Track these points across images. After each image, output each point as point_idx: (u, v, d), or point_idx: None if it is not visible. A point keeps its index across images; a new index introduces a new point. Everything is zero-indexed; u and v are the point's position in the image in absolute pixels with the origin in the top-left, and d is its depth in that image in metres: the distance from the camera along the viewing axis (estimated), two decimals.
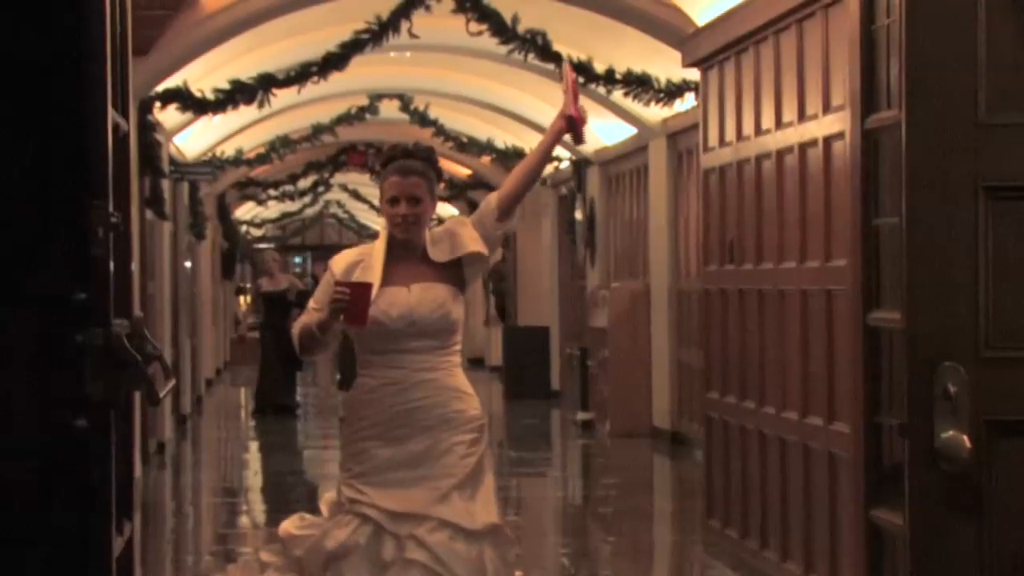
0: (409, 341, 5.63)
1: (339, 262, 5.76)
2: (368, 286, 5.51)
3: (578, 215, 20.78)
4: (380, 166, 5.83)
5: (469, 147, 21.57)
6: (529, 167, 5.80)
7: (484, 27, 12.90)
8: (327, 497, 5.84)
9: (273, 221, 38.05)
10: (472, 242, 5.72)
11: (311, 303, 5.76)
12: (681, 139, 16.16)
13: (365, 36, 13.44)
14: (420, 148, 5.82)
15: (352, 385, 5.86)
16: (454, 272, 5.75)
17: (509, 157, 20.79)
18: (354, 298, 5.43)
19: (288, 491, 13.81)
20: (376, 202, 34.25)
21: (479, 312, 28.42)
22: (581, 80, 5.82)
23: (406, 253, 5.74)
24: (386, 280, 5.66)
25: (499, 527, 5.64)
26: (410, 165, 5.72)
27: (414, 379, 5.64)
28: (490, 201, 5.79)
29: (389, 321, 5.61)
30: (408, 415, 5.63)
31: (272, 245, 29.23)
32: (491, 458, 5.78)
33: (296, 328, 5.77)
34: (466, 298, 5.84)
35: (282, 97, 15.11)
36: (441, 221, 6.44)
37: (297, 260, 48.84)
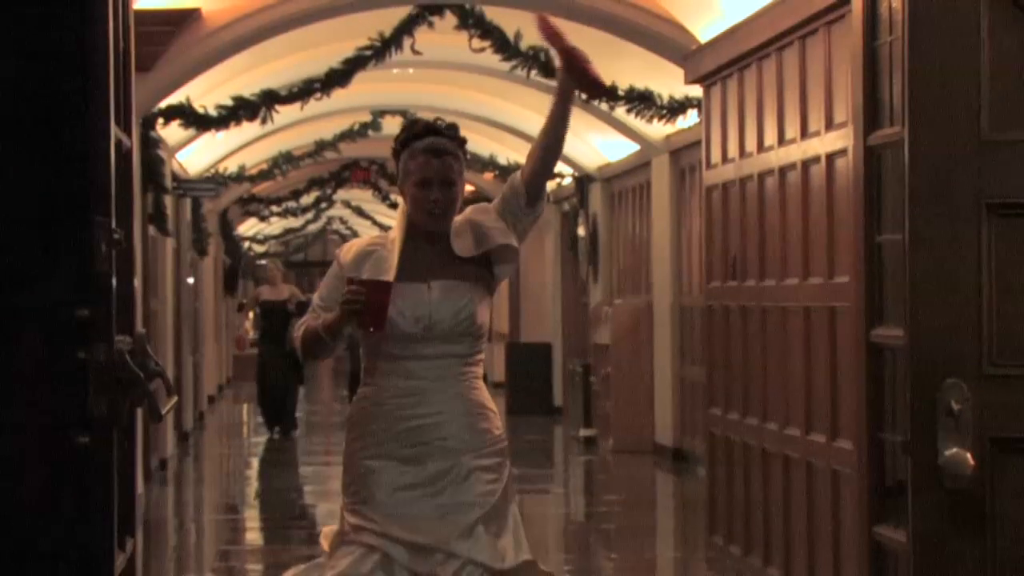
0: (426, 346, 4.88)
1: (348, 252, 5.06)
2: (387, 285, 4.77)
3: (581, 231, 20.78)
4: (399, 144, 5.06)
5: (472, 163, 21.57)
6: (545, 138, 4.95)
7: (487, 44, 12.92)
8: (327, 531, 5.12)
9: (276, 237, 38.09)
10: (500, 234, 4.96)
11: (316, 300, 5.05)
12: (684, 156, 16.16)
13: (368, 52, 13.46)
14: (445, 124, 5.07)
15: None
16: (480, 268, 4.98)
17: (511, 173, 20.80)
18: (371, 299, 4.72)
19: (290, 507, 13.80)
20: (379, 218, 34.33)
21: None
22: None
23: (427, 244, 4.98)
24: (402, 275, 4.89)
25: (532, 564, 4.97)
26: (442, 143, 4.97)
27: (430, 390, 4.89)
28: (515, 182, 5.03)
29: (404, 323, 4.86)
30: (422, 431, 4.88)
31: (271, 260, 29.23)
32: (513, 485, 5.06)
33: (299, 330, 5.03)
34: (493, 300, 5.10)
35: (285, 113, 15.12)
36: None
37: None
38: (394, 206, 26.66)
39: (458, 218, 5.01)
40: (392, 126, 20.72)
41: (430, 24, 12.93)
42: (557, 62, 4.90)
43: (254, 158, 21.97)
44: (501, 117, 19.55)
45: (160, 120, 14.11)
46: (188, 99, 14.05)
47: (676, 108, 13.54)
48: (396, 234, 5.01)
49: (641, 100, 13.53)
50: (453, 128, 5.05)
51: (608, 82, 13.65)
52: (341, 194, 28.93)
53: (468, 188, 25.89)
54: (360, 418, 4.99)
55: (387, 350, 4.92)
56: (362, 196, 30.39)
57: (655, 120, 13.77)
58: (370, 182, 26.41)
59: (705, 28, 10.81)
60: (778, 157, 8.18)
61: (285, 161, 21.99)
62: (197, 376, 21.58)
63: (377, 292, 4.74)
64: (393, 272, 4.89)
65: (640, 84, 13.53)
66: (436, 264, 4.95)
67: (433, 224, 4.95)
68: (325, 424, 22.59)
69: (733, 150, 8.89)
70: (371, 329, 4.80)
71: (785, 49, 8.09)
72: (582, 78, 4.87)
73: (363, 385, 5.01)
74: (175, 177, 17.65)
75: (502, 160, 20.95)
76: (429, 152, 4.96)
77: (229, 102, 14.23)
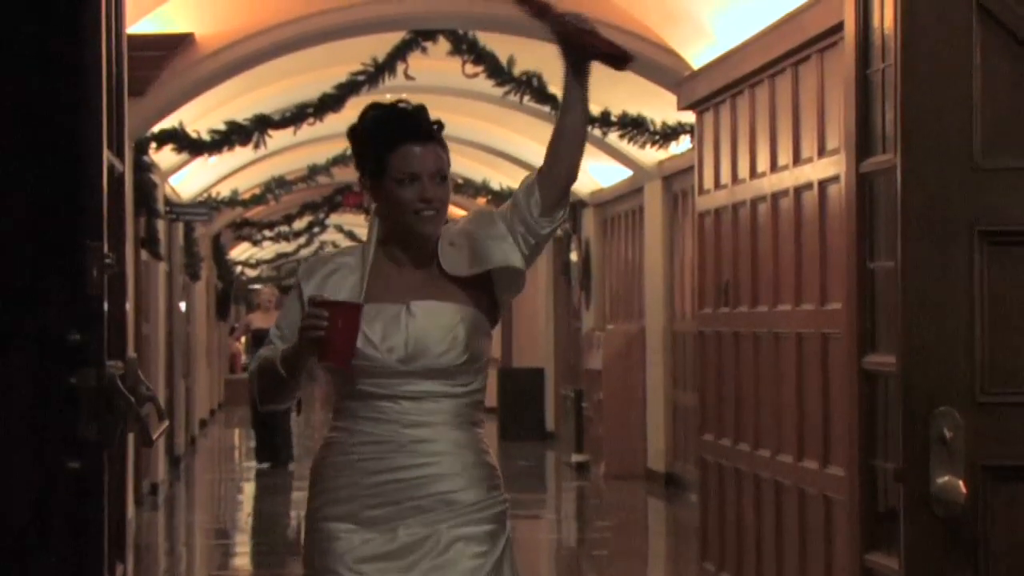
0: (406, 383, 3.91)
1: (309, 270, 4.07)
2: (356, 308, 3.83)
3: (573, 256, 20.79)
4: (365, 136, 4.04)
5: (465, 188, 21.59)
6: (560, 126, 3.99)
7: (480, 69, 12.94)
8: None
9: (268, 262, 38.09)
10: (501, 252, 3.95)
11: (273, 330, 4.08)
12: (676, 181, 16.18)
13: (361, 78, 13.48)
14: (411, 106, 4.10)
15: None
16: (477, 289, 4.01)
17: (504, 198, 20.77)
18: (335, 325, 3.78)
19: (281, 532, 13.76)
20: None
21: None
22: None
23: (407, 257, 4.02)
24: (375, 294, 3.95)
25: None
26: (427, 129, 4.02)
27: (407, 438, 3.92)
28: (528, 181, 4.00)
29: (376, 353, 3.90)
30: (395, 490, 3.92)
31: (267, 286, 29.19)
32: (511, 561, 4.02)
33: (253, 365, 4.08)
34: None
35: (278, 138, 15.13)
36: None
37: None
38: None
39: (455, 227, 4.05)
40: None
41: (423, 49, 12.95)
42: (558, 46, 3.93)
43: (247, 182, 21.97)
44: (494, 142, 19.56)
45: (153, 144, 14.11)
46: (181, 124, 14.05)
47: (669, 134, 13.56)
48: (368, 247, 4.04)
49: (634, 126, 13.55)
50: (423, 109, 4.09)
51: (600, 109, 13.53)
52: (334, 219, 28.94)
53: (461, 214, 25.91)
54: (322, 470, 4.06)
55: (358, 387, 3.96)
56: (355, 221, 30.39)
57: (648, 146, 13.79)
58: (363, 207, 26.41)
59: (698, 54, 10.82)
60: (770, 183, 8.19)
61: (278, 186, 22.00)
62: (189, 400, 21.55)
63: (343, 316, 3.80)
64: (362, 291, 3.96)
65: (633, 110, 13.55)
66: (418, 281, 3.99)
67: (424, 228, 3.96)
68: (316, 449, 22.51)
69: (726, 176, 8.90)
70: (334, 361, 3.87)
71: (778, 76, 8.10)
72: (593, 45, 3.94)
73: (329, 430, 4.09)
74: (168, 201, 17.65)
75: (495, 185, 20.96)
76: (414, 139, 3.98)
77: (222, 127, 14.24)
